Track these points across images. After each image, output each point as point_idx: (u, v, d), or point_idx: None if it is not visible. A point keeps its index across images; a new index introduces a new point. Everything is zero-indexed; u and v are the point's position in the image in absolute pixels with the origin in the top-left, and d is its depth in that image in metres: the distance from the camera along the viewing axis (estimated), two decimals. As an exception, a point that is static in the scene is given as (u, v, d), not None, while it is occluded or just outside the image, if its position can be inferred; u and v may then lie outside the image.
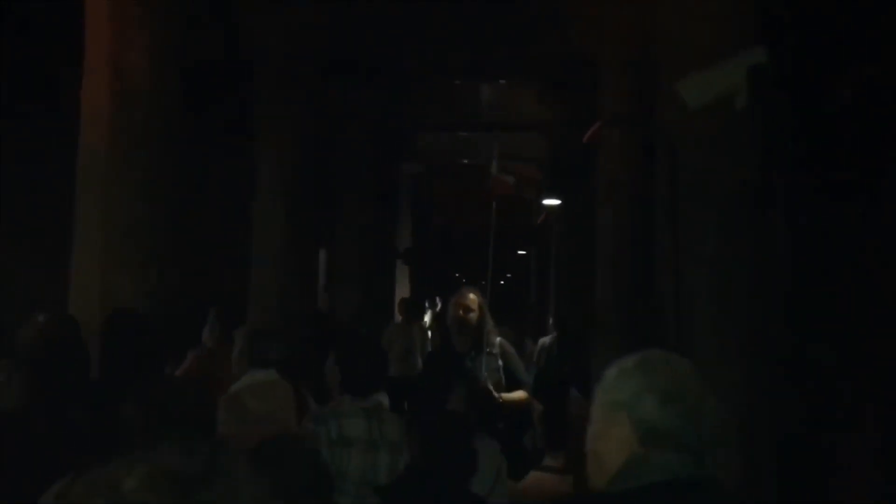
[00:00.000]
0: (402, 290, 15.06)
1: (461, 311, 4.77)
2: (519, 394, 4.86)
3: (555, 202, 11.58)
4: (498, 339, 4.86)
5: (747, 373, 3.90)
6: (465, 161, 15.99)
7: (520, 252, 21.67)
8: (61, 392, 2.35)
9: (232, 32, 8.35)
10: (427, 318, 12.44)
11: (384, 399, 6.26)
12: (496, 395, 4.57)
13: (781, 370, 4.15)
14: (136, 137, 5.00)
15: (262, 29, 8.27)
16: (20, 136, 7.83)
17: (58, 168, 5.52)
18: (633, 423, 1.48)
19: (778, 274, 4.59)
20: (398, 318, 10.57)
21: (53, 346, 2.41)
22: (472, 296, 4.85)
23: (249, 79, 8.33)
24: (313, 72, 8.63)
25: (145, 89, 5.02)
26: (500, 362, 4.75)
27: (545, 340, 9.53)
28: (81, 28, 4.97)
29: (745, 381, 3.87)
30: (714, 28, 3.91)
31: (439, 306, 15.49)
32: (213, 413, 2.05)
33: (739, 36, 3.83)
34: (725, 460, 1.62)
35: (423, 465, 2.64)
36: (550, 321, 10.26)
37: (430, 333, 10.98)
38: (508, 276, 18.13)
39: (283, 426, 2.93)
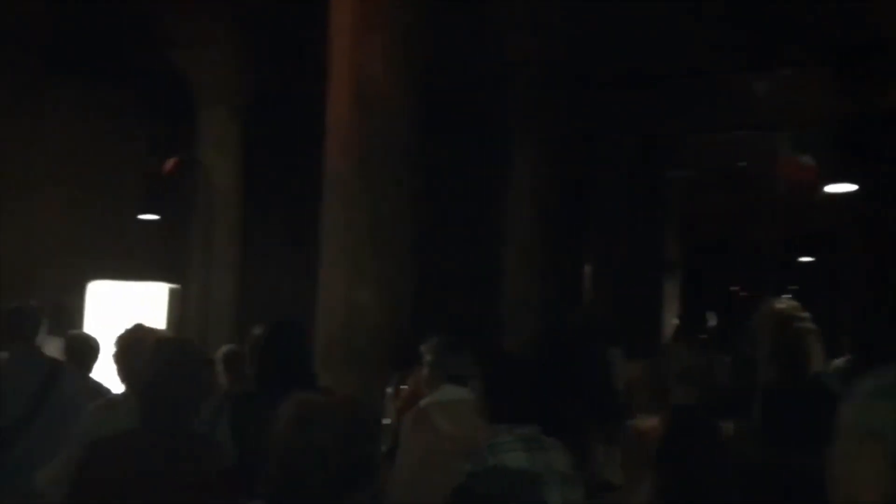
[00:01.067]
0: (670, 305, 14.18)
1: (782, 330, 3.22)
2: None
3: (843, 192, 10.06)
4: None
5: None
6: (742, 164, 14.62)
7: (803, 259, 19.59)
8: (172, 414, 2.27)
9: (485, 42, 8.22)
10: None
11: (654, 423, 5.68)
12: None
13: None
14: (378, 146, 4.93)
15: (518, 39, 8.06)
16: (271, 147, 8.28)
17: (305, 180, 5.63)
18: (891, 459, 1.23)
19: None
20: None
21: (163, 367, 2.35)
22: (790, 307, 3.33)
23: (500, 88, 8.15)
24: (571, 78, 8.26)
25: (387, 97, 4.95)
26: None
27: (839, 363, 8.27)
28: (326, 40, 5.01)
29: None
30: None
31: (712, 323, 14.37)
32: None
33: None
34: None
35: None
36: (847, 340, 8.91)
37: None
38: (793, 287, 16.40)
39: (471, 448, 2.66)
